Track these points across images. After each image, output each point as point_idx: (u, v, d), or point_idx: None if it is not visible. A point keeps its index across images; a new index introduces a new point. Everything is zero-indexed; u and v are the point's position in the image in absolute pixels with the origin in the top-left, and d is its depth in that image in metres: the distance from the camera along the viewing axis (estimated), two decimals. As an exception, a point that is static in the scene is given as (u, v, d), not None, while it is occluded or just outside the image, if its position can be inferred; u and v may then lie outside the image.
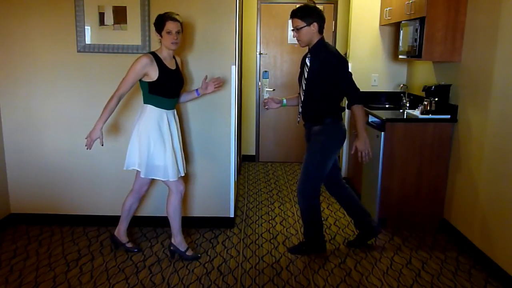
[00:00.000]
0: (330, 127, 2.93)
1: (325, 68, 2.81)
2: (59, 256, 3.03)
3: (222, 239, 3.36)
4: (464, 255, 3.13)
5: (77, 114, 3.37)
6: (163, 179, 2.82)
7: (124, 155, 2.83)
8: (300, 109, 3.03)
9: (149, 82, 2.73)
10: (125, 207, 3.04)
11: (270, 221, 3.75)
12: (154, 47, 3.26)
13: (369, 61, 4.64)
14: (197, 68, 3.32)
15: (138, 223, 3.52)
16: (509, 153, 2.73)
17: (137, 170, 2.87)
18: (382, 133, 3.47)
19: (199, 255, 3.06)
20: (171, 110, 2.86)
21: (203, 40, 3.28)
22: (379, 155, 3.50)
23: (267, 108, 3.22)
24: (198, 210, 3.53)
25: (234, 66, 3.33)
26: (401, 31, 3.91)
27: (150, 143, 2.74)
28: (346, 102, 2.93)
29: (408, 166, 3.50)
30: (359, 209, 3.19)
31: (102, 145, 2.82)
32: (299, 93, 3.05)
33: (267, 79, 5.66)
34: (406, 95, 4.24)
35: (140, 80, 2.75)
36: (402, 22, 3.87)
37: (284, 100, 3.20)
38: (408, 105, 4.02)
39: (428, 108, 3.56)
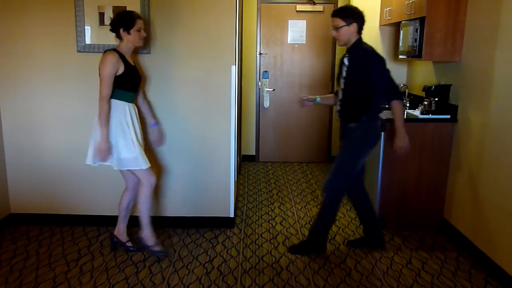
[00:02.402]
0: (366, 125, 2.94)
1: (363, 67, 2.85)
2: (59, 256, 3.03)
3: (222, 239, 3.36)
4: (464, 255, 3.13)
5: (77, 114, 3.37)
6: (137, 168, 2.84)
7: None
8: (339, 107, 3.06)
9: (115, 77, 2.77)
10: (122, 206, 3.05)
11: (270, 221, 3.75)
12: (154, 47, 3.27)
13: (369, 61, 4.63)
14: (197, 68, 3.32)
15: (138, 223, 3.51)
16: (509, 153, 2.73)
17: (121, 171, 2.91)
18: (382, 133, 3.47)
19: (167, 253, 3.06)
20: (132, 103, 2.91)
21: (203, 40, 3.28)
22: (379, 155, 3.50)
23: (302, 107, 3.27)
24: (198, 210, 3.53)
25: (234, 66, 3.33)
26: (401, 31, 3.91)
27: (118, 135, 2.78)
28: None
29: (408, 166, 3.50)
30: (373, 219, 3.21)
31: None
32: (338, 92, 3.08)
33: (267, 79, 5.66)
34: (406, 95, 4.24)
35: None
36: (402, 22, 3.87)
37: (318, 98, 3.23)
38: (408, 105, 4.02)
39: (428, 108, 3.56)
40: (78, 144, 3.38)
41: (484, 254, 2.97)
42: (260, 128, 5.79)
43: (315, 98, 3.23)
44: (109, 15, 3.21)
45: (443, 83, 3.60)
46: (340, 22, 2.86)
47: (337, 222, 3.74)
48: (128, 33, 2.78)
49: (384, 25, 4.53)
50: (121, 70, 2.76)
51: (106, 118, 2.73)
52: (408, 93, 4.32)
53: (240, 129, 5.02)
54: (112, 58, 2.73)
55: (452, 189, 3.45)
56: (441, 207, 3.57)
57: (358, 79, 2.88)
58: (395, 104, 2.89)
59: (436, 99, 3.54)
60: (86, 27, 3.24)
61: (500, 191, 2.81)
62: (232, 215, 3.55)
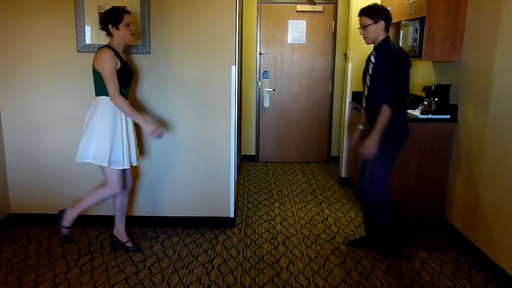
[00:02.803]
0: (394, 122, 2.91)
1: (388, 65, 2.85)
2: (59, 256, 3.03)
3: (222, 239, 3.36)
4: (464, 255, 3.13)
5: (77, 114, 3.37)
6: (122, 168, 2.82)
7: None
8: (364, 104, 3.06)
9: None
10: (116, 206, 3.05)
11: (270, 221, 3.75)
12: (154, 47, 3.27)
13: (369, 61, 4.63)
14: (197, 68, 3.32)
15: (138, 223, 3.52)
16: (509, 153, 2.73)
17: (103, 168, 2.88)
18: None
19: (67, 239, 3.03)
20: (126, 100, 2.90)
21: (203, 40, 3.28)
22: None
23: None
24: (198, 210, 3.53)
25: (234, 66, 3.33)
26: (401, 31, 3.91)
27: (113, 134, 2.77)
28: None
29: (408, 166, 3.50)
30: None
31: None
32: (363, 90, 3.08)
33: (267, 79, 5.67)
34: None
35: (96, 73, 2.76)
36: (402, 22, 3.87)
37: (360, 127, 3.20)
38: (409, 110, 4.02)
39: (428, 108, 3.56)
40: (78, 144, 3.37)
41: (484, 254, 2.96)
42: (260, 128, 5.79)
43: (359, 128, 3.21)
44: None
45: (443, 83, 3.60)
46: (367, 21, 2.86)
47: (337, 222, 3.74)
48: (117, 28, 2.77)
49: (384, 25, 4.52)
50: (118, 65, 2.75)
51: (130, 109, 2.76)
52: (408, 93, 4.32)
53: (240, 129, 5.02)
54: (109, 53, 2.72)
55: (452, 189, 3.45)
56: (441, 207, 3.57)
57: (384, 76, 2.87)
58: (385, 108, 2.83)
59: (436, 99, 3.54)
60: (86, 27, 3.24)
61: (500, 191, 2.81)
62: (232, 215, 3.55)
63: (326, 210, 4.03)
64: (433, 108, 3.55)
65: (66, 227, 2.90)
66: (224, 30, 3.28)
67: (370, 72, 2.95)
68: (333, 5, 5.46)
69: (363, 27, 2.90)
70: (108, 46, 2.78)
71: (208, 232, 3.48)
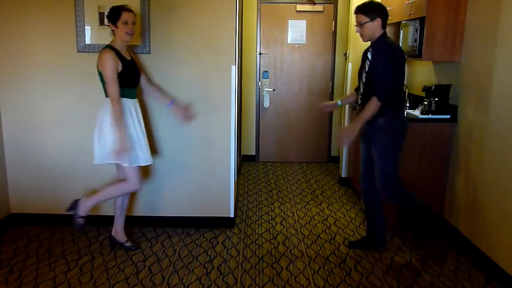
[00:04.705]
0: (394, 118, 2.93)
1: (385, 60, 2.84)
2: (59, 256, 3.03)
3: (222, 239, 3.36)
4: (464, 255, 3.13)
5: (77, 114, 3.37)
6: (126, 165, 2.81)
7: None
8: (360, 101, 3.04)
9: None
10: (117, 205, 3.05)
11: (270, 221, 3.75)
12: (154, 47, 3.27)
13: (369, 61, 4.63)
14: (197, 68, 3.32)
15: (138, 223, 3.52)
16: (509, 153, 2.73)
17: (116, 166, 2.90)
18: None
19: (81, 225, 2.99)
20: (135, 99, 2.91)
21: (203, 40, 3.28)
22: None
23: (325, 112, 3.25)
24: (198, 210, 3.53)
25: (234, 66, 3.33)
26: (401, 31, 3.90)
27: (129, 133, 2.79)
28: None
29: (408, 166, 3.50)
30: (379, 218, 3.18)
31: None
32: (359, 87, 3.07)
33: (267, 79, 5.67)
34: (406, 95, 4.23)
35: (101, 74, 2.76)
36: (402, 22, 3.87)
37: (339, 102, 3.24)
38: (408, 105, 4.02)
39: (428, 108, 3.56)
40: (78, 144, 3.38)
41: (484, 254, 2.96)
42: (260, 128, 5.79)
43: (336, 102, 3.24)
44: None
45: (443, 83, 3.60)
46: (364, 18, 2.85)
47: (337, 222, 3.74)
48: (116, 26, 2.76)
49: (384, 25, 4.52)
50: (119, 67, 2.74)
51: (120, 118, 2.72)
52: (408, 93, 4.32)
53: (240, 129, 5.02)
54: (110, 54, 2.70)
55: (452, 189, 3.45)
56: (441, 207, 3.57)
57: (380, 72, 2.85)
58: (374, 100, 2.81)
59: (436, 99, 3.54)
60: (86, 27, 3.24)
61: (500, 191, 2.81)
62: (232, 215, 3.55)
63: (326, 210, 4.03)
64: (433, 108, 3.55)
65: (82, 217, 2.91)
66: (224, 30, 3.28)
67: (367, 69, 2.94)
68: (333, 5, 5.46)
69: (360, 24, 2.89)
70: (109, 46, 2.77)
71: (208, 232, 3.48)
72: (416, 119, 3.51)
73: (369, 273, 2.86)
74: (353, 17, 4.60)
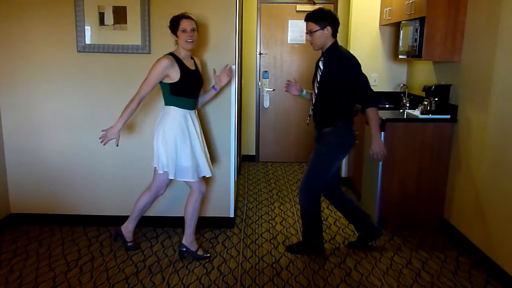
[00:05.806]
0: (341, 130, 2.93)
1: (338, 71, 2.82)
2: (59, 256, 3.03)
3: (222, 239, 3.36)
4: (464, 255, 3.13)
5: (77, 114, 3.37)
6: (192, 180, 2.82)
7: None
8: (311, 111, 3.04)
9: (170, 84, 2.73)
10: (139, 205, 3.04)
11: (270, 221, 3.75)
12: (154, 47, 3.27)
13: (369, 61, 4.63)
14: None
15: (138, 223, 3.50)
16: (509, 153, 2.73)
17: (156, 171, 2.91)
18: (382, 133, 3.47)
19: (209, 254, 3.05)
20: (193, 110, 2.87)
21: (203, 40, 3.28)
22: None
23: (286, 91, 3.17)
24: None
25: (234, 66, 3.33)
26: (401, 31, 3.91)
27: (177, 145, 2.75)
28: (360, 105, 2.95)
29: (408, 166, 3.50)
30: (358, 212, 3.19)
31: (117, 146, 2.83)
32: (312, 96, 3.05)
33: (267, 79, 5.67)
34: (406, 95, 4.24)
35: (160, 82, 2.75)
36: (402, 22, 3.87)
37: (304, 91, 3.19)
38: (408, 105, 4.02)
39: (428, 108, 3.56)
40: (78, 144, 3.38)
41: (484, 254, 2.97)
42: (260, 128, 5.79)
43: (302, 91, 3.18)
44: (109, 15, 3.21)
45: (443, 83, 3.60)
46: (314, 26, 2.81)
47: (337, 222, 3.74)
48: (176, 35, 2.75)
49: (384, 25, 4.53)
50: (175, 76, 2.71)
51: (128, 114, 2.72)
52: (408, 93, 4.32)
53: (240, 129, 5.02)
54: (163, 62, 2.68)
55: (452, 189, 3.45)
56: (441, 207, 3.57)
57: (332, 83, 2.85)
58: (371, 111, 2.84)
59: (436, 99, 3.54)
60: (86, 27, 3.23)
61: (500, 191, 2.81)
62: (232, 215, 3.55)
63: (326, 210, 4.03)
64: (433, 108, 3.55)
65: (197, 250, 2.99)
66: (224, 30, 3.28)
67: (318, 79, 2.91)
68: (333, 5, 5.46)
69: (310, 32, 2.84)
70: (171, 54, 2.76)
71: (208, 232, 3.48)
72: (416, 119, 3.52)
73: (369, 273, 2.86)
74: (353, 18, 4.62)
